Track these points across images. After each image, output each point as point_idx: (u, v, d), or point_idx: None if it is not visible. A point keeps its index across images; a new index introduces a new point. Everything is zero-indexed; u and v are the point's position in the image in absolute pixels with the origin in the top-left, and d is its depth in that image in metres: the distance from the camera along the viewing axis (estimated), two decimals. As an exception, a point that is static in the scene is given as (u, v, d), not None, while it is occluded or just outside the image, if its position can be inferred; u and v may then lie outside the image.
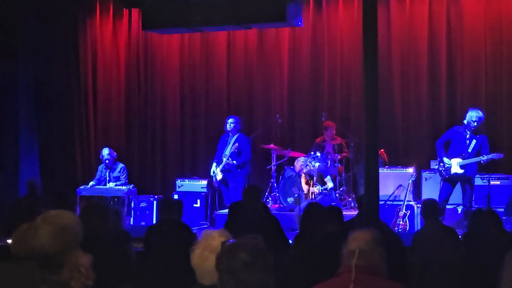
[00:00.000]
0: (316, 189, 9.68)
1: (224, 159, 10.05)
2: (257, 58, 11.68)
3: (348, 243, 3.23)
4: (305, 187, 9.95)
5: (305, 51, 11.42)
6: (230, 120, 10.33)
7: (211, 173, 10.32)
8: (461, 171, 8.93)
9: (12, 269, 3.90)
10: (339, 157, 10.48)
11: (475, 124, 8.90)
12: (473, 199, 9.25)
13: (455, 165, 8.96)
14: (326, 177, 9.89)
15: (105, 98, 12.21)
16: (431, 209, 6.42)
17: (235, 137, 10.22)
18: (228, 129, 10.28)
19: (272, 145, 10.86)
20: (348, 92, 11.21)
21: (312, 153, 10.55)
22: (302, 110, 11.44)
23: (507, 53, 10.40)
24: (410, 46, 10.86)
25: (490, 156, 8.85)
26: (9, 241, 3.57)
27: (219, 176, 10.17)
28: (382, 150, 10.23)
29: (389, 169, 10.20)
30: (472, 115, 8.91)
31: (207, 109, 11.72)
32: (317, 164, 9.83)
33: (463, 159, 8.93)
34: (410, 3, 10.83)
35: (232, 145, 10.11)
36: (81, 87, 12.05)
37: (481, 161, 8.90)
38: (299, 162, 9.94)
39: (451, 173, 8.98)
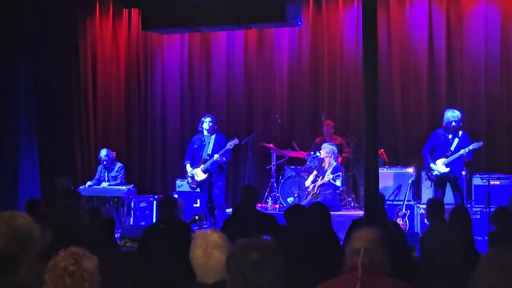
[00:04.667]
0: (326, 179, 9.62)
1: (216, 155, 9.72)
2: (257, 58, 11.68)
3: (352, 242, 3.23)
4: (309, 182, 9.88)
5: (305, 51, 11.42)
6: (208, 120, 9.88)
7: (189, 174, 9.95)
8: (447, 169, 9.03)
9: None
10: (339, 157, 10.47)
11: (454, 124, 9.02)
12: (464, 197, 9.32)
13: (440, 165, 9.08)
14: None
15: (105, 98, 12.21)
16: (437, 208, 6.44)
17: (213, 136, 9.88)
18: (206, 128, 9.84)
19: (272, 145, 10.86)
20: (348, 92, 11.21)
21: (312, 153, 10.55)
22: (302, 110, 11.44)
23: (507, 53, 10.40)
24: (410, 46, 10.87)
25: (470, 147, 8.93)
26: None
27: (201, 177, 9.84)
28: (382, 150, 10.24)
29: (389, 169, 10.20)
30: (448, 116, 9.06)
31: (207, 109, 11.71)
32: (334, 163, 9.81)
33: (447, 157, 9.05)
34: (410, 3, 10.84)
35: (224, 146, 9.81)
36: (81, 87, 12.04)
37: (464, 154, 8.94)
38: (326, 149, 9.85)
39: (439, 174, 9.06)
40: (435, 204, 6.57)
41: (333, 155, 9.81)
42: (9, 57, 11.12)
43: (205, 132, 9.92)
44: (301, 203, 9.64)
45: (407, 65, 10.91)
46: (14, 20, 11.07)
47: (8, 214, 2.92)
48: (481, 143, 9.03)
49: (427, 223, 9.26)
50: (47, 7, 11.65)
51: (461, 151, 8.92)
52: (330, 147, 9.87)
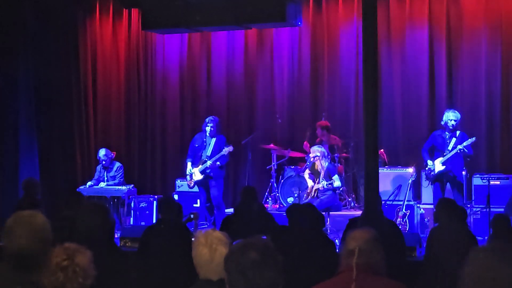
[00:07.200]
0: (321, 185, 9.55)
1: (209, 161, 9.69)
2: (257, 58, 11.68)
3: (347, 243, 3.23)
4: (309, 184, 9.80)
5: (305, 51, 11.42)
6: (211, 124, 9.78)
7: (187, 172, 9.93)
8: (443, 167, 9.06)
9: None
10: (340, 163, 10.42)
11: (454, 123, 9.07)
12: (464, 197, 9.32)
13: (438, 164, 9.11)
14: (333, 175, 9.77)
15: (105, 98, 12.21)
16: (446, 208, 6.39)
17: (214, 139, 9.82)
18: (208, 131, 9.80)
19: (272, 145, 10.85)
20: (348, 92, 11.21)
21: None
22: (302, 110, 11.44)
23: (507, 53, 10.40)
24: (410, 46, 10.87)
25: (464, 144, 8.95)
26: None
27: (197, 177, 9.80)
28: (382, 150, 10.24)
29: (389, 169, 10.20)
30: (449, 116, 9.10)
31: (207, 109, 11.71)
32: (326, 164, 9.69)
33: (444, 156, 9.08)
34: (410, 3, 10.83)
35: (222, 149, 9.79)
36: (81, 87, 12.03)
37: (459, 151, 8.97)
38: (315, 153, 9.71)
39: (436, 172, 9.09)
40: (444, 204, 6.52)
41: (323, 157, 9.69)
42: (10, 56, 11.12)
43: (207, 134, 9.94)
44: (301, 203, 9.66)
45: (407, 65, 10.91)
46: (14, 20, 11.07)
47: (28, 213, 2.88)
48: (474, 139, 9.04)
49: (427, 223, 9.34)
50: (47, 7, 11.65)
51: (458, 147, 8.95)
52: (319, 149, 9.75)
